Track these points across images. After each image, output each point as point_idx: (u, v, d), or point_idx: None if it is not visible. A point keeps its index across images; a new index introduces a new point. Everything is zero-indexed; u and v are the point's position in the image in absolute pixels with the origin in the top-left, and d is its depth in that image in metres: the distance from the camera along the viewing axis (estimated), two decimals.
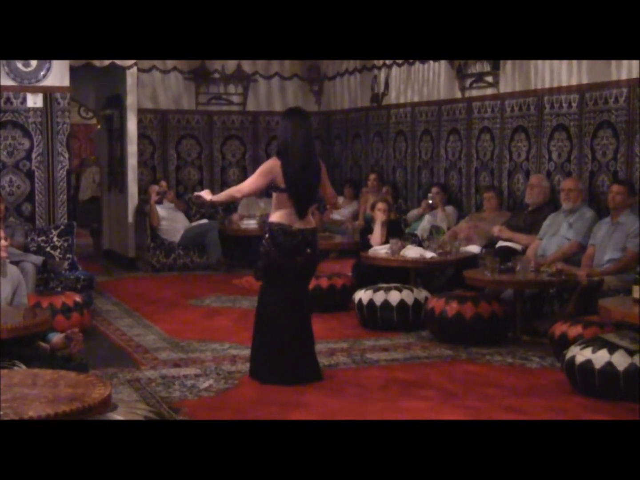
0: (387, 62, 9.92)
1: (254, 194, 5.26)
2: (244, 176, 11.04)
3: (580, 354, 4.95)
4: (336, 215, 9.93)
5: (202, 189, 10.90)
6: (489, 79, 8.29)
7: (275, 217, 5.25)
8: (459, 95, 8.75)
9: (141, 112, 10.39)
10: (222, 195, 5.46)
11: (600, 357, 4.86)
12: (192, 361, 5.83)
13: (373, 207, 7.94)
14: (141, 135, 10.44)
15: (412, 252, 7.04)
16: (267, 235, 5.25)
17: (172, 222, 10.01)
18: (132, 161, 10.14)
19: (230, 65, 10.89)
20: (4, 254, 4.81)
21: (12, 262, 5.25)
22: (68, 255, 7.45)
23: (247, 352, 5.94)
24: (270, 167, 5.21)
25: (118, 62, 9.58)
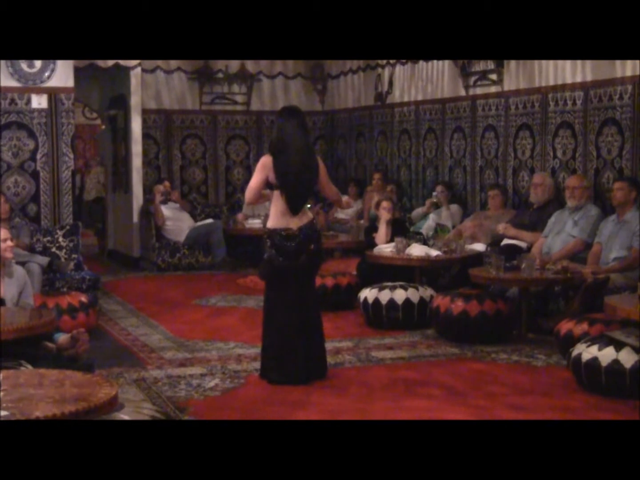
0: (391, 60, 9.92)
1: (257, 192, 5.28)
2: (248, 175, 11.05)
3: (587, 352, 4.94)
4: (341, 214, 9.93)
5: (206, 189, 11.04)
6: (493, 76, 8.28)
7: (272, 220, 5.29)
8: (463, 93, 8.74)
9: (145, 112, 10.41)
10: (247, 209, 5.56)
11: (606, 355, 4.85)
12: (197, 360, 5.84)
13: (378, 206, 7.94)
14: (145, 136, 10.46)
15: (417, 250, 7.04)
16: (268, 243, 5.27)
17: (177, 221, 10.03)
18: (136, 161, 10.16)
19: (234, 65, 10.89)
20: (9, 255, 4.82)
21: (18, 263, 5.27)
22: (73, 256, 7.47)
23: (252, 351, 5.95)
24: (262, 163, 5.27)
25: (122, 62, 9.60)
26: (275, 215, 5.28)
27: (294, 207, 5.23)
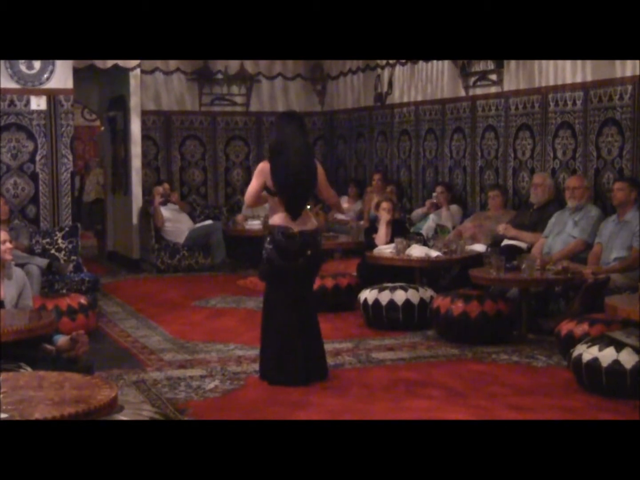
0: (391, 61, 9.91)
1: (256, 196, 5.28)
2: (247, 176, 11.06)
3: (587, 352, 4.93)
4: (340, 215, 9.92)
5: (206, 190, 11.03)
6: (493, 77, 8.28)
7: (275, 220, 5.27)
8: (462, 93, 8.74)
9: (145, 113, 10.40)
10: (246, 210, 5.54)
11: (607, 355, 4.84)
12: (197, 362, 5.83)
13: (377, 207, 7.93)
14: (145, 137, 10.45)
15: (417, 251, 7.03)
16: (268, 239, 5.25)
17: (176, 223, 10.02)
18: (136, 163, 10.16)
19: (233, 66, 10.89)
20: (9, 257, 4.81)
21: (17, 265, 5.26)
22: (73, 257, 7.46)
23: (252, 352, 5.94)
24: (260, 169, 5.25)
25: (121, 63, 9.59)
26: (278, 217, 5.25)
27: (293, 210, 5.21)
